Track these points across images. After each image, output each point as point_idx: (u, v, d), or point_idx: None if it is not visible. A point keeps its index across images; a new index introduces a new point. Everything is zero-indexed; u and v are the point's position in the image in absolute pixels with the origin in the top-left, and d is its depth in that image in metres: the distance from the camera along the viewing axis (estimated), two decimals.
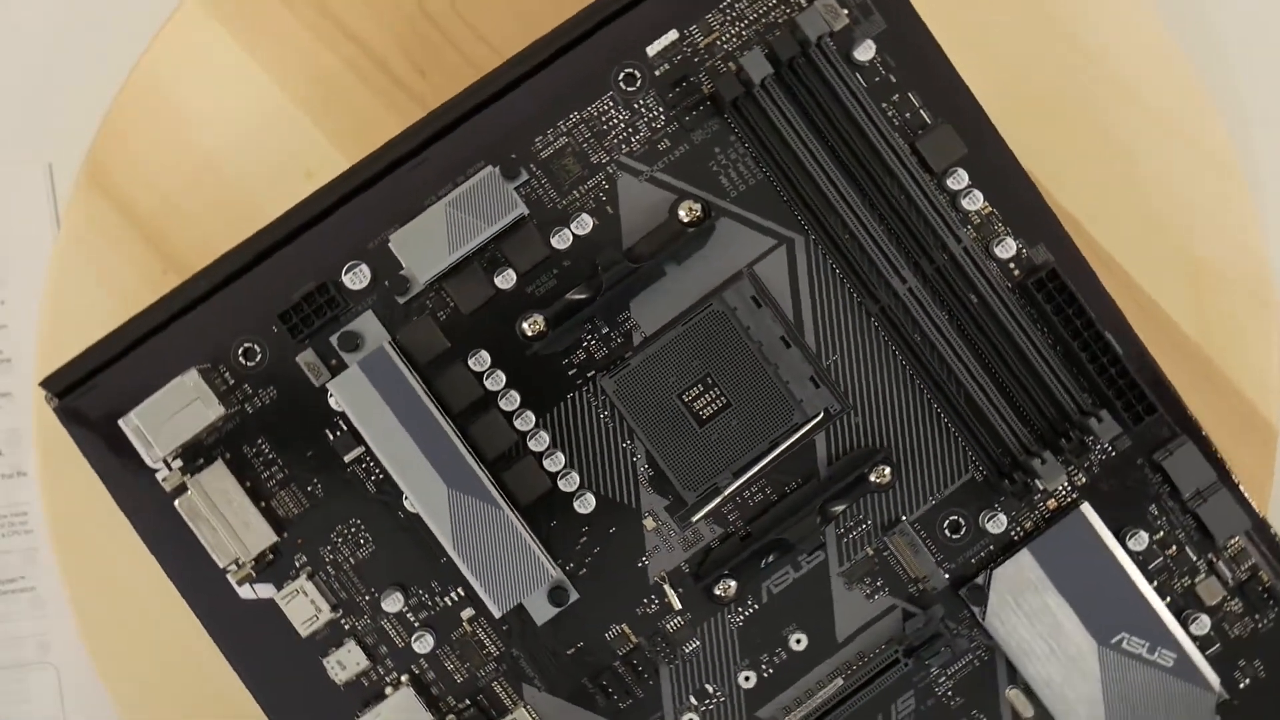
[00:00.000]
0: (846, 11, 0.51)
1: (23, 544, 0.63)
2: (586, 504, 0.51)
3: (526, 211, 0.50)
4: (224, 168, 0.59)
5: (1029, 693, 0.51)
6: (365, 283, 0.51)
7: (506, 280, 0.51)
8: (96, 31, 0.63)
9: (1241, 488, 0.52)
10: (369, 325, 0.51)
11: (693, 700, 0.52)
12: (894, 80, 0.52)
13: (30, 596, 0.63)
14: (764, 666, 0.52)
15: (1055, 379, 0.51)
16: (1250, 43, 0.65)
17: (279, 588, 0.51)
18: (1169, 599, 0.52)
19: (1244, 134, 0.64)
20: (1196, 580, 0.52)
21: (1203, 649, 0.52)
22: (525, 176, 0.51)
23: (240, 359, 0.51)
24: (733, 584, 0.51)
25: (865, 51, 0.51)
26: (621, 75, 0.52)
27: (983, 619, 0.51)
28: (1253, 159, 0.64)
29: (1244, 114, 0.64)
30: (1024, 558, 0.51)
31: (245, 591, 0.51)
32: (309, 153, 0.59)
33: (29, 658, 0.63)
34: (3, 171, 0.62)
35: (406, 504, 0.51)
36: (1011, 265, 0.52)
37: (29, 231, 0.62)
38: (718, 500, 0.51)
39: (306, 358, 0.50)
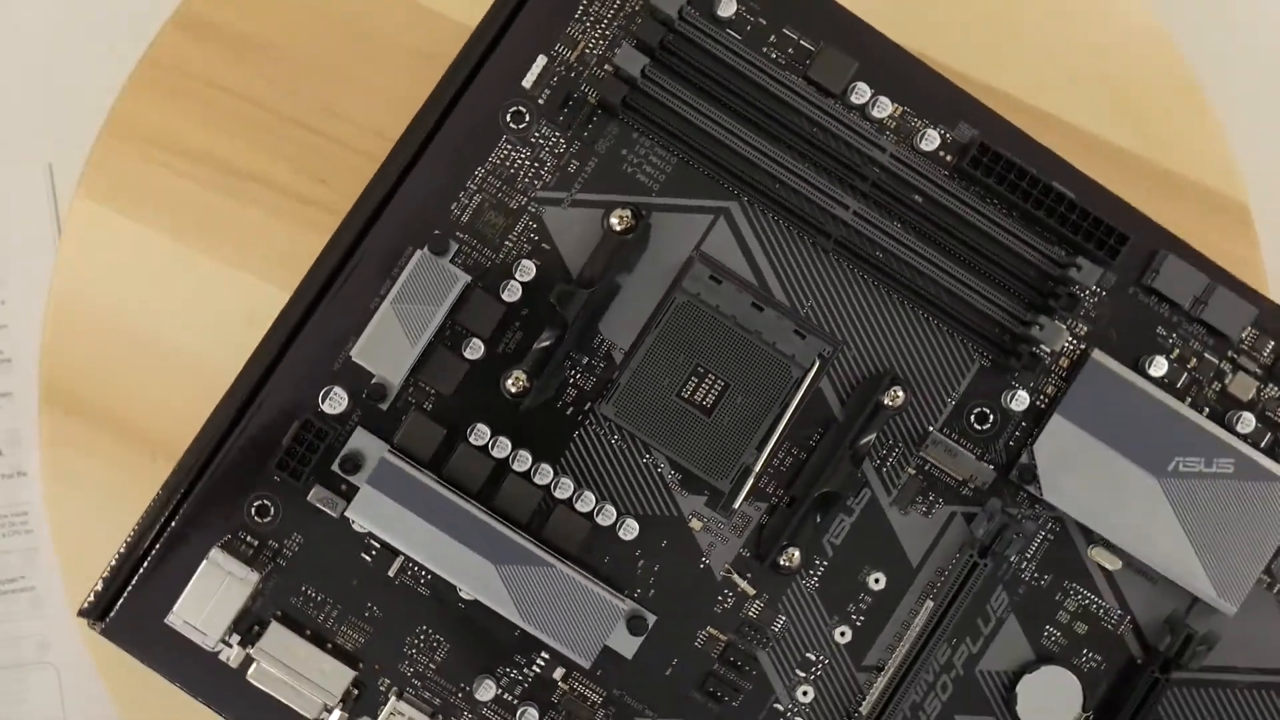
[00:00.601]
0: None
1: (23, 544, 0.63)
2: (630, 530, 0.51)
3: (469, 279, 0.50)
4: (168, 342, 0.59)
5: (1109, 546, 0.52)
6: (344, 404, 0.51)
7: (475, 350, 0.51)
8: (96, 31, 0.63)
9: (1236, 277, 0.52)
10: (363, 442, 0.51)
11: (800, 673, 0.52)
12: (764, 23, 0.52)
13: (30, 596, 0.63)
14: (854, 616, 0.52)
15: (1023, 244, 0.51)
16: None
17: (375, 717, 0.51)
18: (1206, 410, 0.52)
19: None
20: (1226, 382, 0.52)
21: (1255, 444, 0.52)
22: (455, 246, 0.51)
23: (256, 519, 0.51)
24: (795, 551, 0.51)
25: (727, 7, 0.51)
26: (509, 116, 0.51)
27: (1041, 494, 0.51)
28: None
29: None
30: (1057, 422, 0.51)
31: None
32: (243, 297, 0.59)
33: (29, 658, 0.63)
34: (3, 171, 0.62)
35: (463, 594, 0.51)
36: (941, 153, 0.52)
37: (29, 231, 0.62)
38: (751, 479, 0.51)
39: (317, 495, 0.51)
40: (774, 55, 0.52)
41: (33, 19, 0.63)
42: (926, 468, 0.52)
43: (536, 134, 0.51)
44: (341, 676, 0.50)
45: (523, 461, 0.51)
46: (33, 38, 0.63)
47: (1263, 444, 0.52)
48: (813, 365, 0.51)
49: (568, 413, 0.52)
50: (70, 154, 0.61)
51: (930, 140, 0.52)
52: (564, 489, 0.51)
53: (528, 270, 0.51)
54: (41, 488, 0.59)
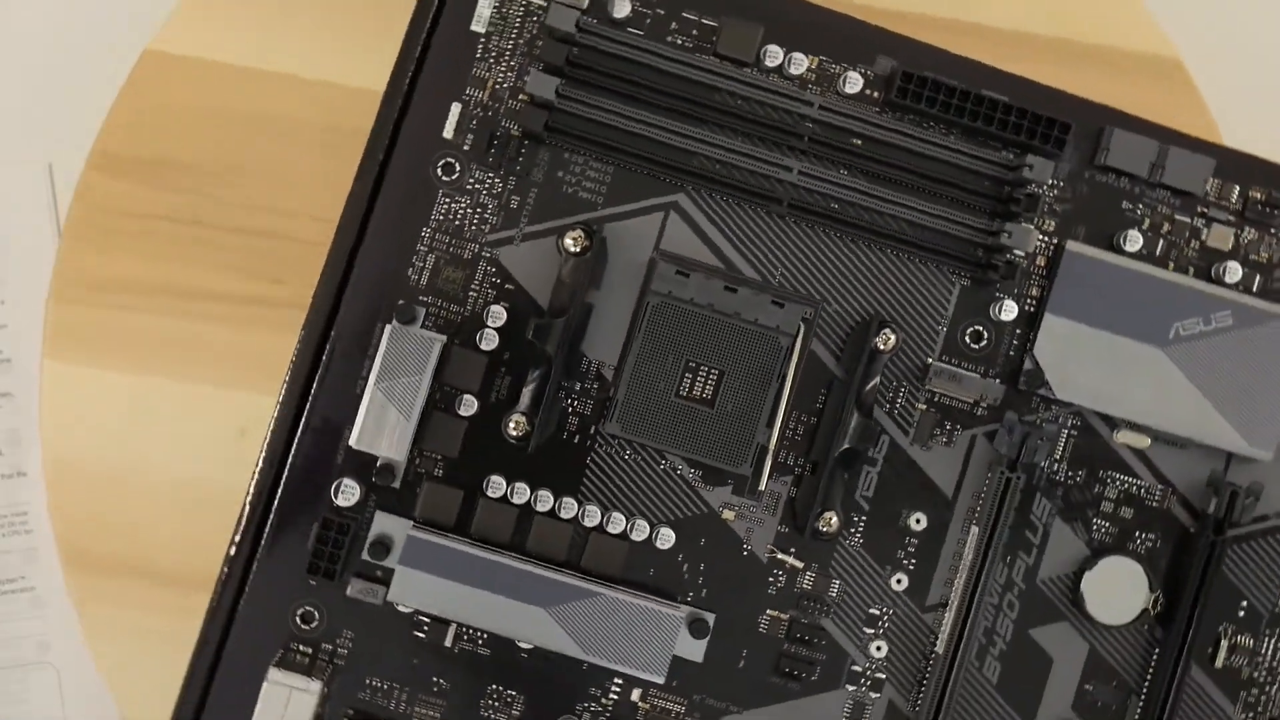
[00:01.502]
0: None
1: (23, 544, 0.62)
2: (667, 538, 0.51)
3: (444, 339, 0.50)
4: (169, 477, 0.59)
5: (1133, 426, 0.52)
6: (357, 493, 0.51)
7: (469, 406, 0.51)
8: (96, 31, 0.63)
9: (1187, 134, 0.52)
10: (386, 524, 0.51)
11: (868, 630, 0.52)
12: (661, 13, 0.51)
13: (30, 596, 0.63)
14: (905, 562, 0.52)
15: (970, 158, 0.51)
16: None
17: None
18: (1191, 269, 0.52)
19: None
20: (1203, 237, 0.52)
21: (1247, 289, 0.52)
22: (422, 311, 0.51)
23: (303, 627, 0.51)
24: (831, 515, 0.51)
25: (622, 8, 0.51)
26: (439, 170, 0.51)
27: (1053, 394, 0.51)
28: None
29: None
30: (1049, 321, 0.51)
31: None
32: (230, 412, 0.59)
33: (29, 658, 0.63)
34: (3, 171, 0.62)
35: (522, 645, 0.51)
36: (868, 91, 0.52)
37: (29, 231, 0.62)
38: (769, 457, 0.51)
39: (355, 588, 0.50)
40: (680, 41, 0.51)
41: (33, 19, 0.63)
42: (936, 399, 0.52)
43: (471, 180, 0.51)
44: None
45: (544, 501, 0.51)
46: (33, 38, 0.63)
47: (1255, 287, 0.52)
48: (798, 330, 0.51)
49: (575, 441, 0.52)
50: (70, 154, 0.60)
51: (853, 82, 0.51)
52: (592, 516, 0.51)
53: (498, 315, 0.51)
54: (46, 487, 0.59)
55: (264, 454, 0.51)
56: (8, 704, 0.62)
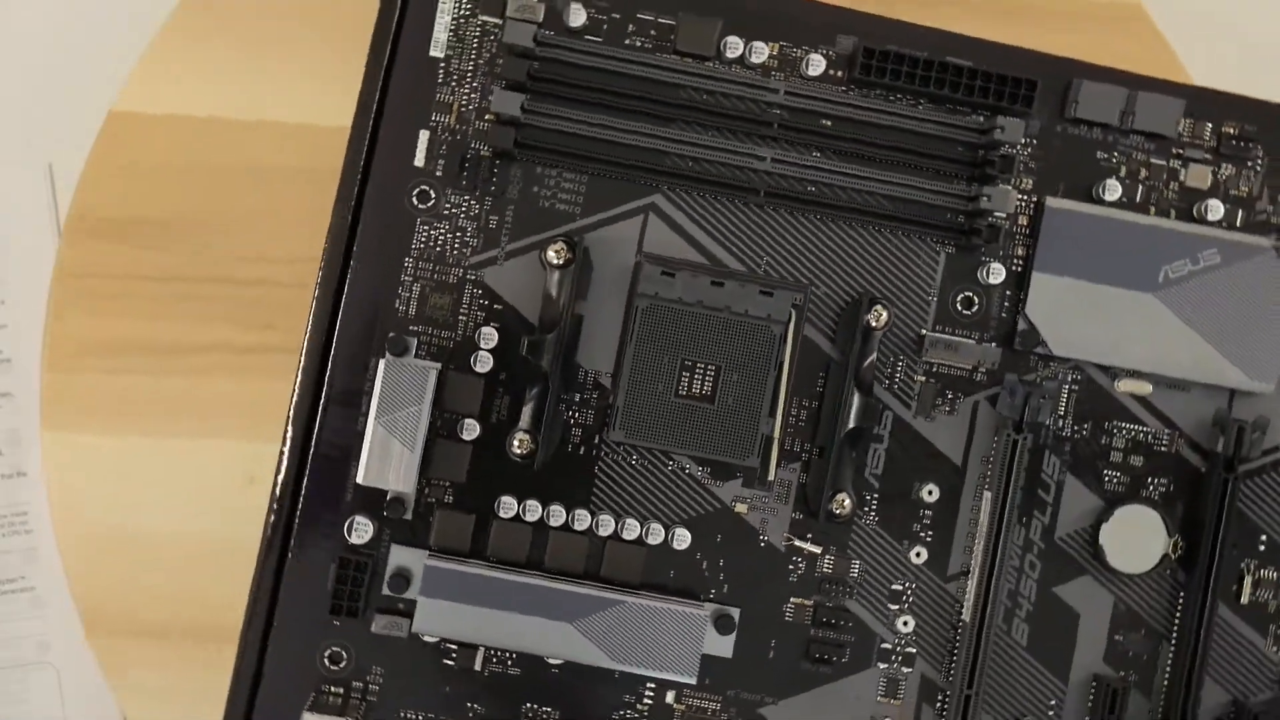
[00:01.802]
0: None
1: (23, 544, 0.62)
2: (683, 539, 0.52)
3: (439, 366, 0.50)
4: (184, 534, 0.59)
5: (1133, 374, 0.52)
6: (371, 529, 0.51)
7: (471, 430, 0.51)
8: (96, 31, 0.63)
9: (1153, 77, 0.52)
10: (403, 557, 0.51)
11: (892, 607, 0.52)
12: (618, 17, 0.51)
13: (30, 596, 0.63)
14: (922, 535, 0.52)
15: (940, 125, 0.51)
16: None
17: None
18: (1173, 212, 0.52)
19: None
20: (1182, 179, 0.52)
21: (1231, 225, 0.52)
22: (414, 340, 0.51)
23: (332, 668, 0.51)
24: (842, 496, 0.51)
25: (577, 16, 0.51)
26: (414, 199, 0.51)
27: (1050, 351, 0.51)
28: None
29: None
30: (1038, 279, 0.51)
31: None
32: (235, 462, 0.59)
33: (29, 658, 0.63)
34: (3, 171, 0.62)
35: (551, 661, 0.51)
36: (831, 72, 0.52)
37: (29, 231, 0.62)
38: (775, 447, 0.51)
39: (380, 624, 0.51)
40: (639, 43, 0.51)
41: (33, 19, 0.63)
42: (934, 370, 0.52)
43: (447, 205, 0.51)
44: None
45: (557, 515, 0.51)
46: (33, 38, 0.63)
47: (1238, 222, 0.52)
48: (789, 317, 0.51)
49: (580, 453, 0.52)
50: (70, 154, 0.60)
51: (816, 65, 0.51)
52: (606, 525, 0.51)
53: (490, 337, 0.51)
54: (47, 487, 0.59)
55: (273, 501, 0.51)
56: (8, 704, 0.62)
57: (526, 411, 0.51)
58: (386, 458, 0.50)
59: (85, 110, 0.60)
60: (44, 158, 0.62)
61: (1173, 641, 0.52)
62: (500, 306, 0.51)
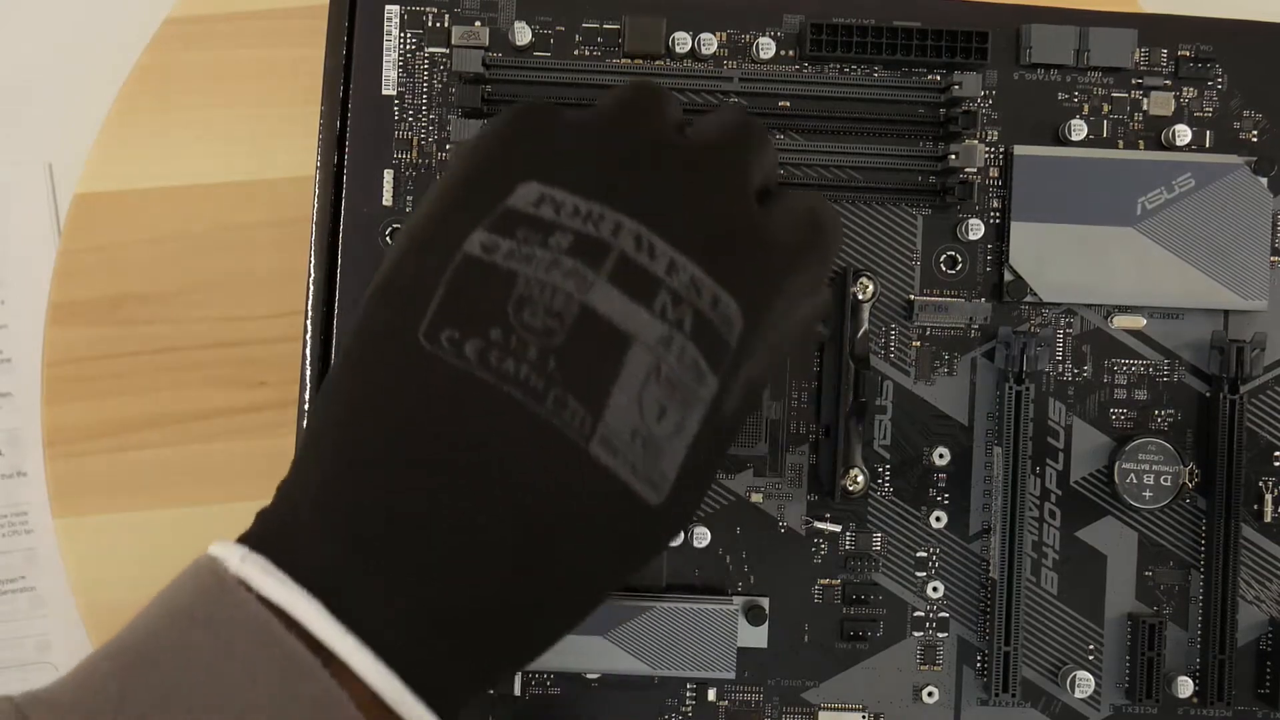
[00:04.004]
0: (478, 23, 0.51)
1: (23, 544, 0.62)
2: (702, 536, 0.52)
3: None
4: None
5: (1125, 310, 0.52)
6: None
7: None
8: (96, 32, 0.63)
9: (1101, 11, 0.52)
10: None
11: (919, 574, 0.52)
12: (562, 29, 0.51)
13: (30, 596, 0.62)
14: (939, 499, 0.52)
15: (898, 90, 0.51)
16: None
17: None
18: (1141, 143, 0.52)
19: None
20: (1145, 108, 0.52)
21: (1201, 148, 0.52)
22: None
23: None
24: (854, 472, 0.51)
25: (523, 35, 0.51)
26: (388, 236, 0.51)
27: (1040, 299, 0.51)
28: None
29: None
30: (1017, 229, 0.51)
31: None
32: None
33: (29, 658, 0.62)
34: (3, 172, 0.62)
35: (588, 675, 0.51)
36: (783, 52, 0.52)
37: (29, 231, 0.62)
38: (781, 431, 0.51)
39: None
40: (589, 52, 0.51)
41: (32, 19, 0.63)
42: (928, 333, 0.52)
43: None
44: None
45: None
46: (33, 38, 0.63)
47: (1207, 143, 0.52)
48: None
49: None
50: (70, 154, 0.61)
51: (766, 48, 0.51)
52: None
53: None
54: (49, 487, 0.60)
55: None
56: None
57: None
58: None
59: (85, 110, 0.60)
60: (44, 158, 0.62)
61: (1202, 570, 0.52)
62: None
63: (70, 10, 0.62)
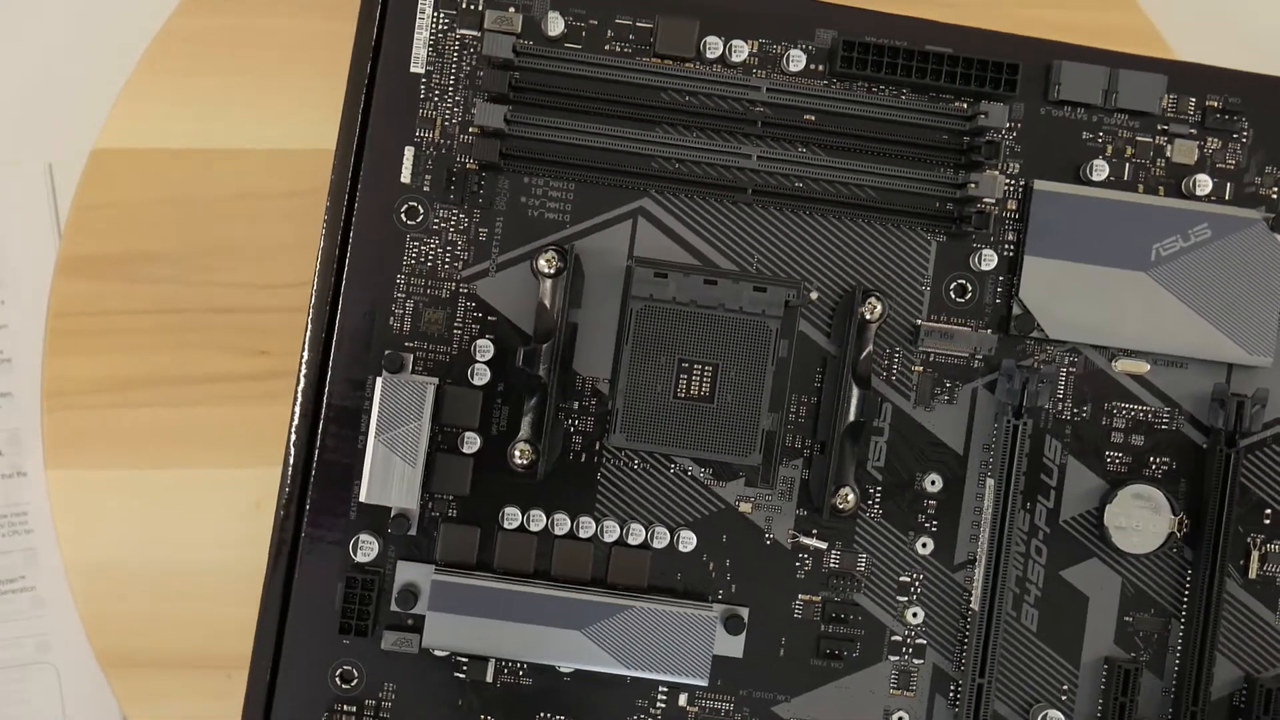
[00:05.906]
0: (512, 9, 0.51)
1: (23, 544, 0.62)
2: (688, 541, 0.52)
3: (436, 381, 0.50)
4: (194, 563, 0.59)
5: (1130, 354, 0.52)
6: (376, 547, 0.51)
7: (472, 443, 0.51)
8: (97, 32, 0.63)
9: (1133, 54, 0.52)
10: (409, 573, 0.51)
11: (901, 599, 0.52)
12: (595, 23, 0.51)
13: (30, 596, 0.62)
14: (927, 525, 0.52)
15: (924, 114, 0.51)
16: None
17: None
18: (1161, 189, 0.52)
19: None
20: (1168, 155, 0.52)
21: (1220, 199, 0.52)
22: (410, 357, 0.51)
23: (344, 687, 0.51)
24: (846, 491, 0.51)
25: (555, 25, 0.51)
26: (403, 215, 0.51)
27: (1046, 335, 0.51)
28: None
29: None
30: (1030, 263, 0.51)
31: None
32: (241, 489, 0.59)
33: (29, 658, 0.63)
34: (3, 172, 0.62)
35: (563, 669, 0.51)
36: (812, 66, 0.52)
37: (29, 231, 0.62)
38: (777, 444, 0.51)
39: (390, 640, 0.51)
40: (619, 48, 0.51)
41: (33, 18, 0.63)
42: (931, 359, 0.52)
43: (436, 220, 0.51)
44: None
45: (561, 524, 0.51)
46: (33, 38, 0.63)
47: (1227, 195, 0.52)
48: (781, 313, 0.51)
49: (582, 460, 0.52)
50: (70, 154, 0.61)
51: (796, 60, 0.51)
52: (610, 532, 0.51)
53: (486, 349, 0.51)
54: (49, 487, 0.59)
55: (277, 523, 0.51)
56: (8, 704, 0.62)
57: (526, 422, 0.51)
58: (388, 475, 0.50)
59: (85, 110, 0.60)
60: (44, 158, 0.62)
61: (1182, 620, 0.52)
62: (494, 318, 0.51)
63: (71, 10, 0.62)
